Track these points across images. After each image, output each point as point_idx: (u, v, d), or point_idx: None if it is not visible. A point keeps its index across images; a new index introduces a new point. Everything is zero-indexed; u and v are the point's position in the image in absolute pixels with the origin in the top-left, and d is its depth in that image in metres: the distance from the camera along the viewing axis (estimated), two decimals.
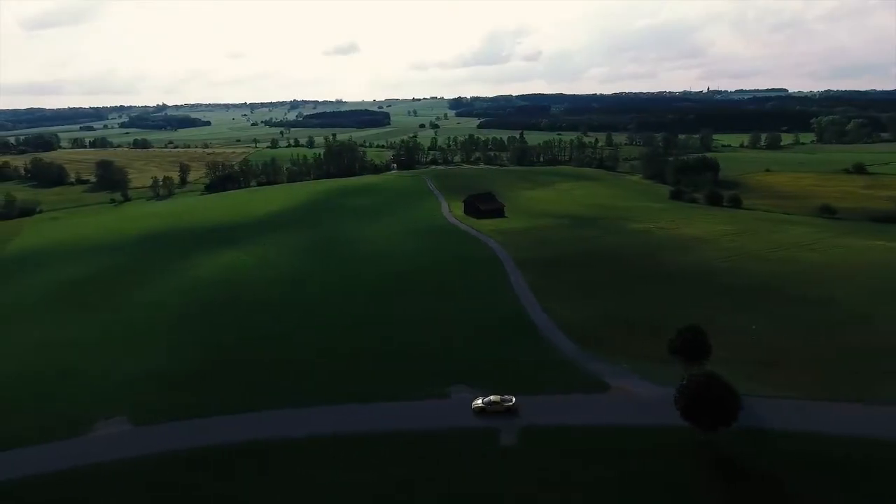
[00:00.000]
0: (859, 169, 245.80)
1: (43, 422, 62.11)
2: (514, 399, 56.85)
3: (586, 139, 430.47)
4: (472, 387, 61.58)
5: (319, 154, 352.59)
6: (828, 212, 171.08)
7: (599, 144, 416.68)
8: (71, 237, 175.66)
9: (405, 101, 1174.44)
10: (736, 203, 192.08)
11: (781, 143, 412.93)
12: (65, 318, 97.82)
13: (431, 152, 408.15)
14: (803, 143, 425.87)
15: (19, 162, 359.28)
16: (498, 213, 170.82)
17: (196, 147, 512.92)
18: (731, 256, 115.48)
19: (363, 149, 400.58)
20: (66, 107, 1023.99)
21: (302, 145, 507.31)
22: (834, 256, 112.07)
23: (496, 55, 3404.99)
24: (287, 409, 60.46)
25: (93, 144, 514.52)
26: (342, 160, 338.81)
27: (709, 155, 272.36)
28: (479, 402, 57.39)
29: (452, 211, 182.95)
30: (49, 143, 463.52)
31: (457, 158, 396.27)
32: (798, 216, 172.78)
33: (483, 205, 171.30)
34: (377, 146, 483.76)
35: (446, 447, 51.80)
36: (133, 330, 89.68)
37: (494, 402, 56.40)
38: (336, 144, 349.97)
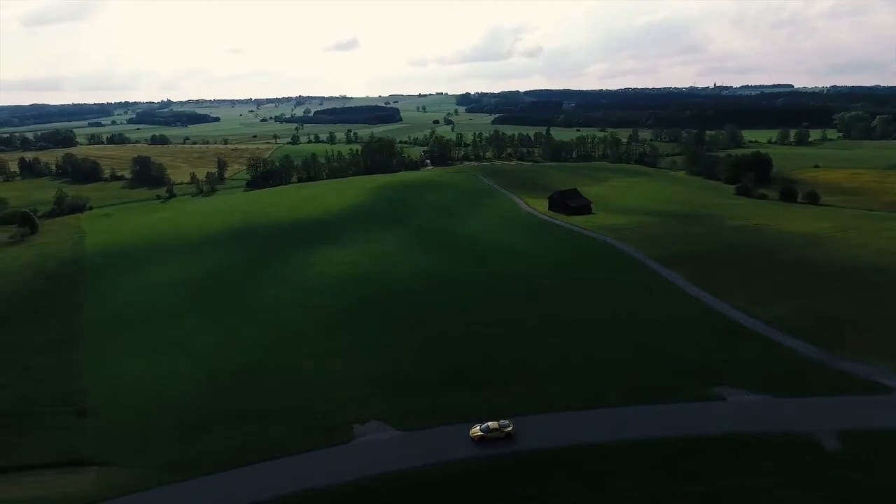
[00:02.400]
0: None
1: (299, 428, 59.70)
2: (511, 424, 55.64)
3: (618, 135, 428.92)
4: (742, 389, 59.80)
5: (356, 150, 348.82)
6: None
7: (623, 141, 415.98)
8: (146, 234, 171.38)
9: (410, 96, 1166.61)
10: (813, 199, 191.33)
11: (810, 139, 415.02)
12: (215, 319, 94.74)
13: (463, 148, 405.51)
14: (831, 139, 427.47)
15: (49, 158, 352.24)
16: (586, 209, 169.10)
17: (215, 143, 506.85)
18: (863, 253, 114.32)
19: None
20: (69, 103, 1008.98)
21: (323, 141, 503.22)
22: None
23: (496, 51, 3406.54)
24: (564, 412, 58.36)
25: (110, 140, 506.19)
26: (380, 156, 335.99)
27: (762, 151, 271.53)
28: (477, 429, 55.78)
29: (534, 207, 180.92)
30: (69, 139, 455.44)
31: (488, 154, 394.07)
32: (884, 213, 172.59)
33: (571, 201, 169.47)
34: (400, 142, 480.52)
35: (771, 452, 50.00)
36: (304, 329, 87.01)
37: (494, 429, 55.03)
38: (375, 141, 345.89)
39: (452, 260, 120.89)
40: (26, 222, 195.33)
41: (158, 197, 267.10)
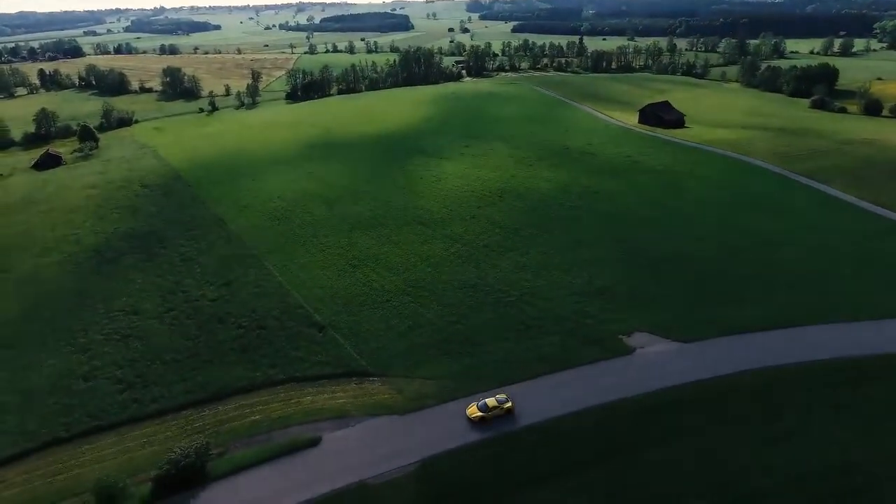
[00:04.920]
0: None
1: (571, 340, 60.26)
2: (509, 399, 51.04)
3: (659, 44, 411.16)
4: None
5: (394, 60, 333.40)
6: None
7: (665, 51, 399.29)
8: (224, 148, 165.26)
9: (417, 2, 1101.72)
10: None
11: (853, 50, 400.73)
12: (380, 234, 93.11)
13: (496, 59, 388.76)
14: (875, 50, 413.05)
15: (68, 69, 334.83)
16: (680, 123, 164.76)
17: (228, 53, 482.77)
18: None
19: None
20: (57, 10, 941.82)
21: (341, 51, 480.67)
22: None
23: None
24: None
25: (117, 51, 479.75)
26: (418, 67, 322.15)
27: (828, 62, 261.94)
28: (475, 408, 50.54)
29: (621, 119, 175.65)
30: (77, 50, 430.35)
31: (524, 65, 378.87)
32: None
33: (665, 114, 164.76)
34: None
35: None
36: (488, 243, 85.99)
37: (493, 407, 50.09)
38: (415, 51, 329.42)
39: (586, 172, 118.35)
40: (89, 136, 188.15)
41: (201, 110, 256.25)
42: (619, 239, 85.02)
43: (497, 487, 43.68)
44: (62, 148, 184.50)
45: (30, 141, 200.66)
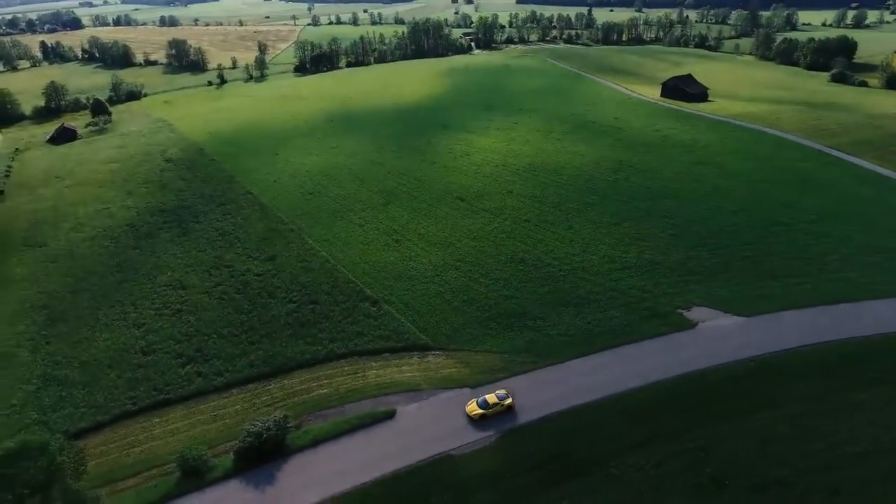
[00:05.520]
0: None
1: (632, 314, 60.39)
2: (509, 395, 48.82)
3: (670, 16, 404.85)
4: None
5: (401, 32, 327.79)
6: None
7: (677, 23, 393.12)
8: (240, 121, 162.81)
9: None
10: None
11: (867, 22, 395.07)
12: (415, 207, 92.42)
13: (505, 30, 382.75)
14: (888, 22, 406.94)
15: (70, 41, 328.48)
16: (703, 96, 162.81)
17: (230, 25, 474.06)
18: None
19: None
20: None
21: (344, 23, 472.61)
22: None
23: None
24: None
25: (116, 23, 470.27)
26: (427, 39, 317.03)
27: (847, 34, 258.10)
28: (474, 406, 48.26)
29: (641, 93, 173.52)
30: (77, 21, 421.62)
31: (532, 37, 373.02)
32: None
33: (689, 87, 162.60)
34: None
35: None
36: (531, 218, 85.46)
37: (493, 404, 47.98)
38: (423, 23, 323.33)
39: (617, 147, 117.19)
40: (102, 110, 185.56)
41: (210, 83, 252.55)
42: (664, 214, 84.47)
43: (587, 455, 44.04)
44: (74, 121, 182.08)
45: (40, 115, 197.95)
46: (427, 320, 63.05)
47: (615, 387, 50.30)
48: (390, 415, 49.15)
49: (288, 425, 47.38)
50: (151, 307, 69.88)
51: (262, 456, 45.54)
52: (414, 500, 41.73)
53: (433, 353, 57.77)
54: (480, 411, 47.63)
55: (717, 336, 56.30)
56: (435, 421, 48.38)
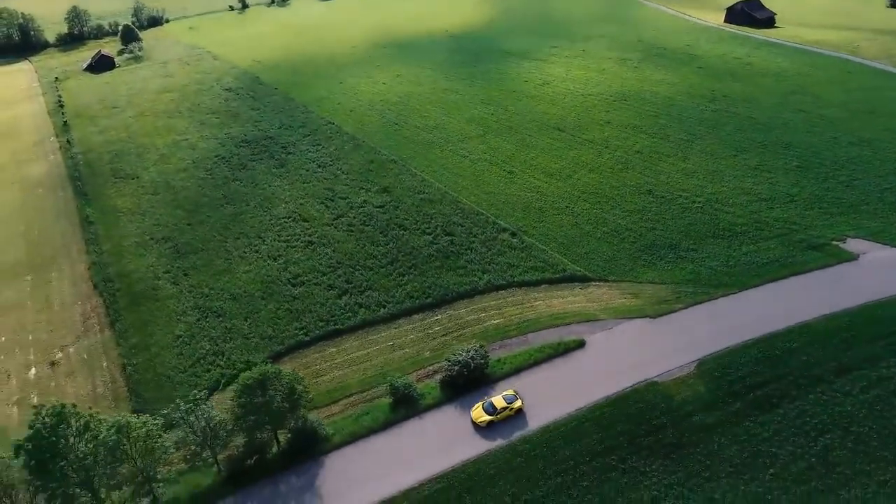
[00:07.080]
0: None
1: (791, 246, 59.77)
2: (517, 397, 43.97)
3: None
4: None
5: None
6: None
7: None
8: (293, 49, 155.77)
9: None
10: None
11: None
12: (509, 137, 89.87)
13: None
14: None
15: None
16: (771, 22, 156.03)
17: None
18: None
19: None
20: None
21: None
22: None
23: None
24: None
25: None
26: None
27: None
28: (480, 411, 43.44)
29: (705, 18, 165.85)
30: None
31: None
32: None
33: (757, 12, 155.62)
34: None
35: None
36: (643, 150, 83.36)
37: (502, 408, 43.14)
38: None
39: (703, 76, 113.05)
40: (133, 37, 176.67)
41: (231, 8, 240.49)
42: (782, 145, 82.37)
43: (793, 381, 44.49)
44: (104, 47, 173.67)
45: (64, 42, 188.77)
46: (573, 251, 62.35)
47: (800, 315, 50.22)
48: (580, 344, 49.19)
49: (486, 355, 47.38)
50: (279, 239, 68.64)
51: (467, 384, 45.80)
52: (638, 419, 42.24)
53: (594, 283, 57.40)
54: (488, 418, 42.85)
55: (885, 266, 55.95)
56: (631, 348, 48.48)
